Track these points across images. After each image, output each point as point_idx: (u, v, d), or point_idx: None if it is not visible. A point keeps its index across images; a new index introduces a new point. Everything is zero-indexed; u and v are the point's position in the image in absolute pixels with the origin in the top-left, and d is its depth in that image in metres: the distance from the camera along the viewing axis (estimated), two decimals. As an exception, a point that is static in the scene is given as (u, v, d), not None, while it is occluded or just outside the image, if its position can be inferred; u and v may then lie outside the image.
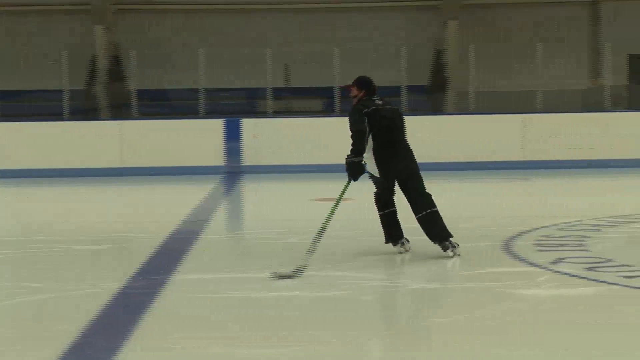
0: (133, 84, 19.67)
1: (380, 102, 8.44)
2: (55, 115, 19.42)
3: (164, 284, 7.19)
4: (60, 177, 17.19)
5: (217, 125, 17.83)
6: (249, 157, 17.68)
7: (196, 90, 19.62)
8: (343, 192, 8.17)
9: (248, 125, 17.81)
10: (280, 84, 22.13)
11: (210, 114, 19.35)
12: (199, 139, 17.77)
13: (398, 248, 8.42)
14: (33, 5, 23.51)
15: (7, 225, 11.39)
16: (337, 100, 19.48)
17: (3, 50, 22.72)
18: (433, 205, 8.23)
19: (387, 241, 8.48)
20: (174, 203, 13.88)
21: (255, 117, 18.71)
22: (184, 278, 7.49)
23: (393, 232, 8.44)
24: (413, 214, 8.23)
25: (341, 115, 18.39)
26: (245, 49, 22.24)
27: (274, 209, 13.13)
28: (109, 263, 8.64)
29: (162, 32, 23.53)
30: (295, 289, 6.90)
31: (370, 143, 8.27)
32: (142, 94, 19.77)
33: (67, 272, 7.97)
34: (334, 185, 15.49)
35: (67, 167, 17.43)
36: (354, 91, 8.55)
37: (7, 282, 7.64)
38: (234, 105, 21.78)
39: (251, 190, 16.05)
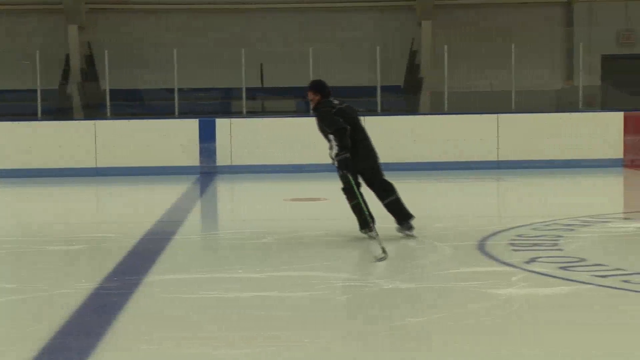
0: (107, 84, 19.56)
1: (337, 102, 8.80)
2: (28, 115, 19.27)
3: (139, 284, 7.15)
4: (34, 177, 17.05)
5: (191, 125, 17.77)
6: (223, 157, 17.63)
7: (170, 90, 19.53)
8: (354, 186, 8.73)
9: (223, 125, 17.75)
10: (255, 84, 22.10)
11: (185, 114, 19.27)
12: (173, 139, 17.70)
13: (368, 233, 8.76)
14: (5, 5, 23.36)
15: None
16: (311, 100, 19.43)
17: (-25, 50, 22.58)
18: (395, 192, 8.98)
19: (360, 228, 8.82)
20: (149, 203, 13.83)
21: (229, 117, 18.65)
22: (158, 279, 7.46)
23: (364, 218, 8.78)
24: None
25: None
26: (219, 49, 22.20)
27: (249, 209, 13.12)
28: (83, 264, 8.59)
29: (136, 32, 23.44)
30: (271, 289, 6.89)
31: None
32: (115, 93, 19.65)
33: (40, 273, 7.90)
34: (308, 185, 15.62)
35: (40, 167, 17.30)
36: (310, 95, 8.85)
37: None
38: (209, 106, 21.73)
39: (226, 191, 16.02)
